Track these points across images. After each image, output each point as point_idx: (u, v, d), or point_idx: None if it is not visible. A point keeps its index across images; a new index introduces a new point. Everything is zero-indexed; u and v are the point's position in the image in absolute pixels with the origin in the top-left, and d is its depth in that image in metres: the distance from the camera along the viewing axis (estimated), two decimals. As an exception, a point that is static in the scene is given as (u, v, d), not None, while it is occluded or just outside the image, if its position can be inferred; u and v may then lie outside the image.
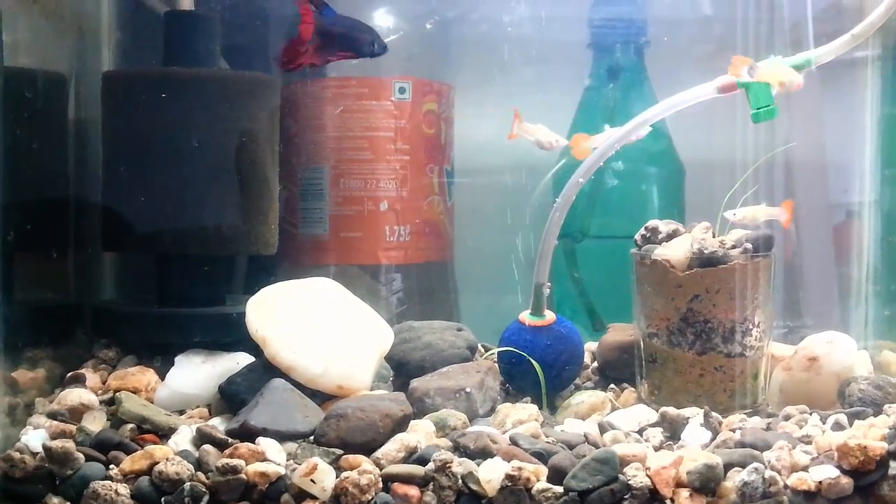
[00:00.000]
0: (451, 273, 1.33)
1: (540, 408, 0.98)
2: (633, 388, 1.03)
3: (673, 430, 0.90)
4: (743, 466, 0.81)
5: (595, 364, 1.10)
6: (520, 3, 1.28)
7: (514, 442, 0.85)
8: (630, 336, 1.04)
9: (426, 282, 1.29)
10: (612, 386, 1.05)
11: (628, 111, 1.11)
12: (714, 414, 0.90)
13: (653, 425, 0.92)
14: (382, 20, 1.31)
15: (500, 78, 1.33)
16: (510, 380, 1.03)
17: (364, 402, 0.87)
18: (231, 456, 0.81)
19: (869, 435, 0.84)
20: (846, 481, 0.80)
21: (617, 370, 1.06)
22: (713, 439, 0.88)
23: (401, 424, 0.86)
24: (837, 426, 0.88)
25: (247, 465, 0.80)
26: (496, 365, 1.03)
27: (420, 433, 0.87)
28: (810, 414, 0.92)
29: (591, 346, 1.12)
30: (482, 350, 1.11)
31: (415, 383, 0.96)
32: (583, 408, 0.98)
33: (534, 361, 1.00)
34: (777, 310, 1.14)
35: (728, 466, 0.81)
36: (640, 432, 0.91)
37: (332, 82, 1.24)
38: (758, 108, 0.94)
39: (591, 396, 0.99)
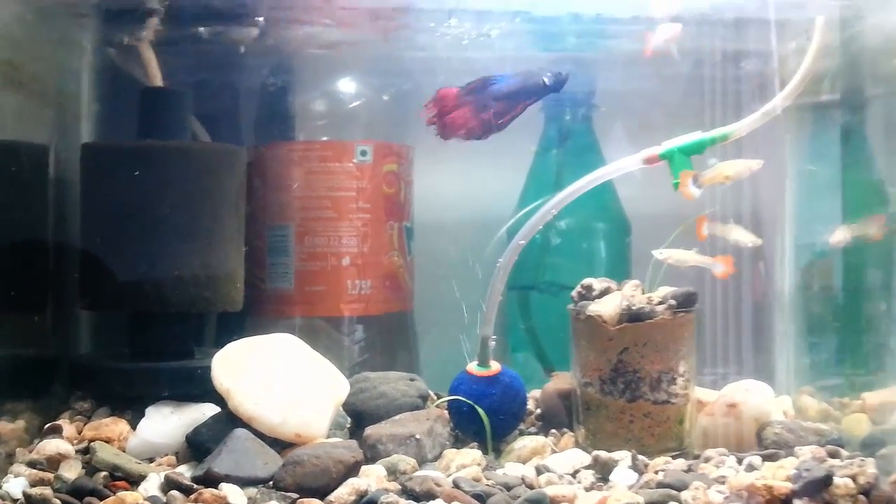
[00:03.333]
0: (411, 323, 1.39)
1: (485, 452, 1.05)
2: (572, 433, 1.10)
3: (604, 472, 0.97)
4: (662, 505, 0.89)
5: (538, 410, 1.18)
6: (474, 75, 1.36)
7: (456, 485, 0.92)
8: (570, 384, 1.12)
9: (387, 332, 1.35)
10: (553, 431, 1.12)
11: (577, 175, 1.18)
12: (640, 457, 0.99)
13: (586, 467, 0.99)
14: (346, 87, 1.40)
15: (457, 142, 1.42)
16: (459, 426, 1.10)
17: (319, 449, 0.94)
18: (196, 501, 0.88)
19: (777, 475, 0.93)
20: (754, 518, 0.89)
21: (558, 416, 1.13)
22: (639, 480, 0.96)
23: (353, 469, 0.94)
24: (750, 467, 0.97)
25: (210, 508, 0.87)
26: (445, 412, 1.11)
27: (371, 477, 0.94)
28: (728, 456, 1.01)
29: (535, 393, 1.20)
30: (434, 398, 1.19)
31: (369, 430, 1.04)
32: (525, 452, 1.05)
33: (480, 409, 1.08)
34: (711, 357, 1.23)
35: (650, 505, 0.90)
36: (573, 474, 0.98)
37: (297, 145, 1.32)
38: (679, 179, 1.04)
39: (532, 441, 1.06)
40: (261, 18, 1.14)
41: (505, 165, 1.42)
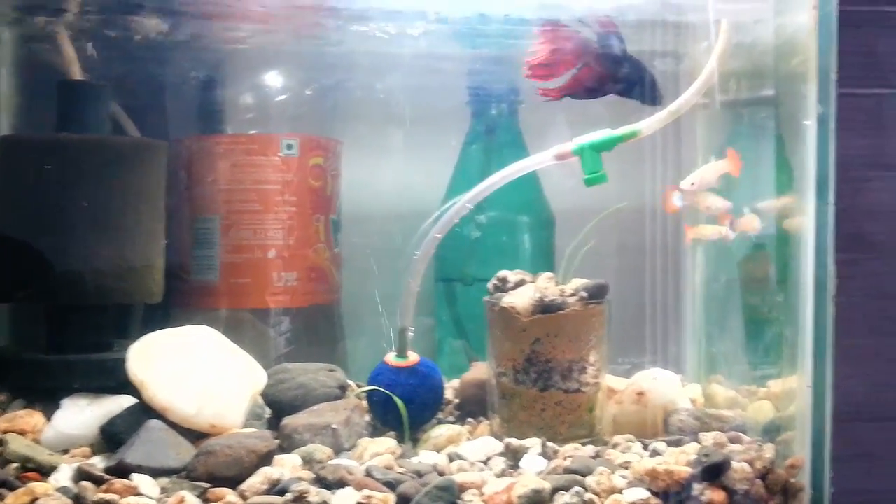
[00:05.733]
0: (337, 315, 1.41)
1: (402, 441, 1.08)
2: (488, 422, 1.13)
3: (515, 459, 1.00)
4: (567, 490, 0.92)
5: (457, 400, 1.21)
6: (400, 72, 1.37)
7: (368, 473, 0.94)
8: (487, 374, 1.14)
9: (313, 324, 1.36)
10: (469, 419, 1.15)
11: (502, 168, 1.20)
12: (550, 444, 1.02)
13: (498, 455, 1.02)
14: (273, 81, 1.41)
15: (388, 134, 1.44)
16: (377, 416, 1.12)
17: (232, 439, 0.96)
18: (107, 491, 0.89)
19: (679, 460, 0.96)
20: (655, 502, 0.92)
21: (475, 405, 1.16)
22: (548, 466, 0.99)
23: (266, 459, 0.95)
24: (655, 453, 1.00)
25: (121, 499, 0.88)
26: (363, 402, 1.13)
27: (286, 467, 0.96)
28: (635, 442, 1.04)
29: (454, 383, 1.22)
30: (355, 388, 1.20)
31: (286, 420, 1.05)
32: (441, 440, 1.07)
33: (397, 399, 1.10)
34: (626, 347, 1.26)
35: (555, 490, 0.92)
36: (485, 461, 1.01)
37: (223, 138, 1.33)
38: (590, 174, 1.06)
39: (449, 430, 1.09)
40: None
41: (432, 158, 1.43)
